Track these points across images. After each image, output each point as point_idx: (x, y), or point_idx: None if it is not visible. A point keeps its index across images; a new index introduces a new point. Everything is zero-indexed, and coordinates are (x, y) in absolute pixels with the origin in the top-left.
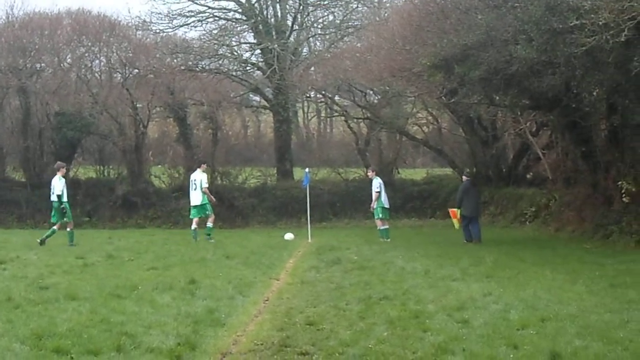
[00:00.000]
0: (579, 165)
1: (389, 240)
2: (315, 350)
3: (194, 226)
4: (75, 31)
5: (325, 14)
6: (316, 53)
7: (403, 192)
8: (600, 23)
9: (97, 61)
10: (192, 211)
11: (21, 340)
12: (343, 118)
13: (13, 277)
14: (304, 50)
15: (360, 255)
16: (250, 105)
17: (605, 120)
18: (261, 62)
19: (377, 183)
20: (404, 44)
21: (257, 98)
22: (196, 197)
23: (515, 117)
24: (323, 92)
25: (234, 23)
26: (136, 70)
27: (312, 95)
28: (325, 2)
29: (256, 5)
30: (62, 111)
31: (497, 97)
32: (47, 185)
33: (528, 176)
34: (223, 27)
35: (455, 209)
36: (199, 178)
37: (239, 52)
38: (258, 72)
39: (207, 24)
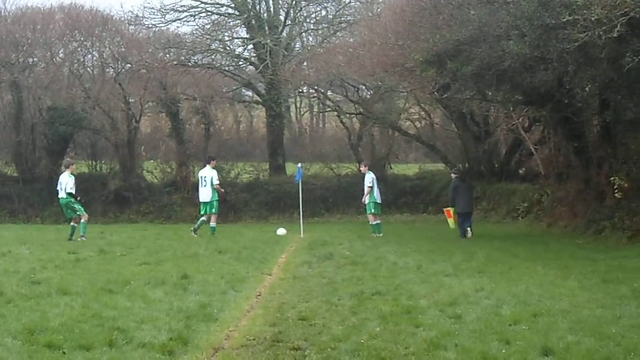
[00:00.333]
0: (571, 160)
1: (381, 235)
2: (307, 345)
3: (203, 219)
4: (68, 26)
5: (318, 9)
6: (309, 48)
7: (395, 188)
8: (593, 19)
9: (89, 56)
10: (202, 208)
11: (13, 335)
12: (335, 113)
13: (5, 272)
14: (297, 45)
15: (352, 250)
16: (242, 100)
17: (598, 115)
18: (254, 57)
19: (369, 178)
20: (397, 39)
21: (250, 93)
22: (206, 194)
23: (507, 112)
24: (315, 87)
25: (226, 18)
26: (128, 65)
27: (304, 91)
28: None
29: (249, 0)
30: (54, 106)
31: (490, 93)
32: (39, 180)
33: (520, 172)
34: (216, 22)
35: (449, 208)
36: (209, 175)
37: (231, 47)
38: (250, 67)
39: (199, 18)
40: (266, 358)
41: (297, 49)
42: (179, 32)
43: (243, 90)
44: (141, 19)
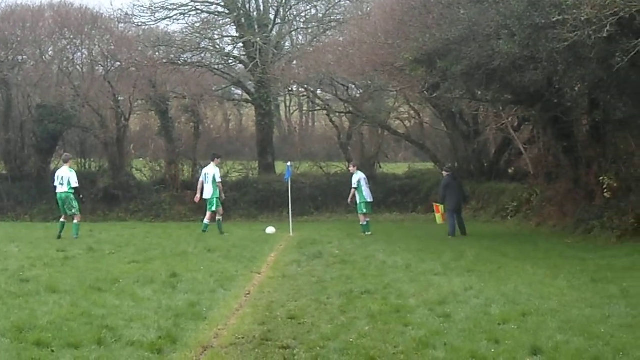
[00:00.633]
0: (560, 160)
1: (370, 233)
2: (296, 344)
3: (217, 217)
4: (57, 24)
5: (308, 7)
6: (298, 47)
7: (385, 187)
8: (583, 18)
9: (79, 54)
10: (207, 205)
11: (1, 333)
12: (325, 112)
13: None
14: (287, 44)
15: (341, 249)
16: (232, 99)
17: (587, 115)
18: (243, 55)
19: (356, 178)
20: (387, 39)
21: (239, 91)
22: (207, 191)
23: (497, 112)
24: (305, 86)
25: (216, 16)
26: (118, 63)
27: (294, 89)
28: None
29: None
30: (43, 104)
31: (479, 92)
32: (28, 178)
33: (510, 171)
34: (205, 20)
35: (438, 204)
36: (212, 172)
37: (221, 45)
38: (240, 65)
39: (189, 17)
40: (255, 357)
41: (286, 47)
42: (169, 30)
43: (232, 89)
44: (131, 17)
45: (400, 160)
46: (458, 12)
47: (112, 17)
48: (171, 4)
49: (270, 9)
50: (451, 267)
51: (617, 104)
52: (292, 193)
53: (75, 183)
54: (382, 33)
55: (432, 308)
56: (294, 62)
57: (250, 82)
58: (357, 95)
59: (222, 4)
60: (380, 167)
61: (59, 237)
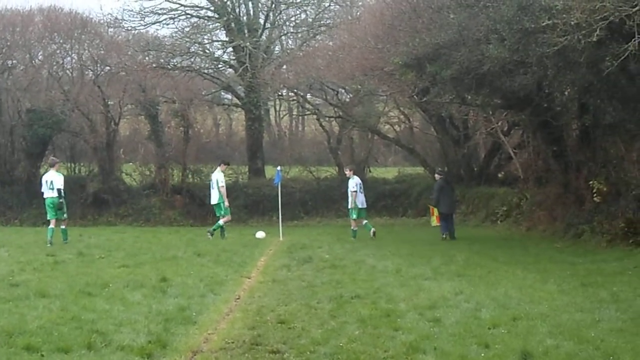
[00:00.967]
0: (550, 164)
1: (354, 239)
2: (286, 348)
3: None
4: (47, 28)
5: (298, 12)
6: (288, 51)
7: (375, 191)
8: (572, 23)
9: (68, 58)
10: (215, 210)
11: None
12: (315, 116)
13: None
14: (276, 49)
15: (331, 253)
16: (222, 103)
17: (577, 119)
18: (233, 60)
19: (353, 183)
20: (376, 43)
21: (229, 96)
22: (213, 196)
23: (486, 116)
24: (295, 90)
25: (206, 21)
26: (108, 68)
27: (284, 94)
28: (298, 1)
29: (228, 3)
30: (33, 108)
31: (469, 97)
32: (17, 183)
33: (499, 175)
34: (195, 24)
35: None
36: (215, 177)
37: (210, 49)
38: (230, 70)
39: (179, 21)
40: None
41: (276, 52)
42: (159, 35)
43: (222, 93)
44: (120, 21)
45: (390, 165)
46: (448, 16)
47: (102, 21)
48: (161, 9)
49: (260, 14)
50: (441, 272)
51: (607, 109)
52: (282, 197)
53: (59, 185)
54: (372, 37)
55: (422, 312)
56: (284, 66)
57: (240, 87)
58: (347, 100)
59: (212, 8)
60: (370, 171)
61: (51, 243)
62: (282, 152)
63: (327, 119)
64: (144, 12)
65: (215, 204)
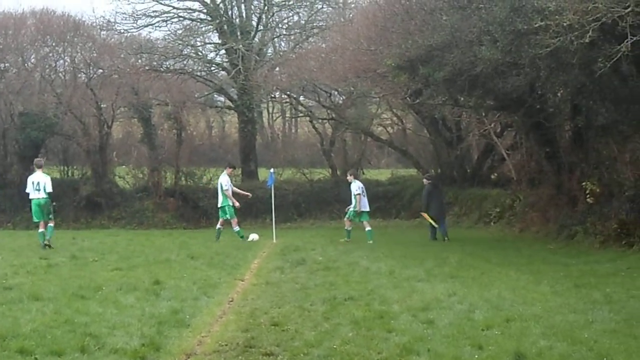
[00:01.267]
0: (543, 166)
1: (349, 240)
2: (280, 351)
3: (218, 226)
4: (40, 31)
5: (290, 14)
6: (281, 53)
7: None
8: (565, 24)
9: (61, 61)
10: (220, 213)
11: None
12: (308, 118)
13: None
14: (269, 51)
15: (325, 255)
16: (214, 106)
17: (570, 121)
18: (226, 62)
19: (356, 186)
20: (369, 45)
21: (222, 98)
22: (219, 199)
23: (479, 118)
24: (288, 92)
25: (198, 23)
26: (100, 71)
27: (276, 96)
28: (290, 3)
29: (221, 5)
30: (26, 111)
31: (462, 98)
32: (10, 186)
33: (492, 177)
34: (188, 27)
35: (425, 213)
36: (220, 181)
37: (203, 52)
38: (223, 72)
39: (171, 24)
40: None
41: (269, 54)
42: (151, 38)
43: (215, 96)
44: (113, 24)
45: (383, 167)
46: (440, 18)
47: (95, 24)
48: (153, 11)
49: (253, 16)
50: (434, 273)
51: (600, 110)
52: (275, 200)
53: (50, 188)
54: (365, 39)
55: (415, 314)
56: (277, 68)
57: (232, 89)
58: (340, 102)
59: (205, 11)
60: (363, 173)
61: (44, 246)
62: (275, 154)
63: (320, 121)
64: (137, 15)
65: (220, 207)
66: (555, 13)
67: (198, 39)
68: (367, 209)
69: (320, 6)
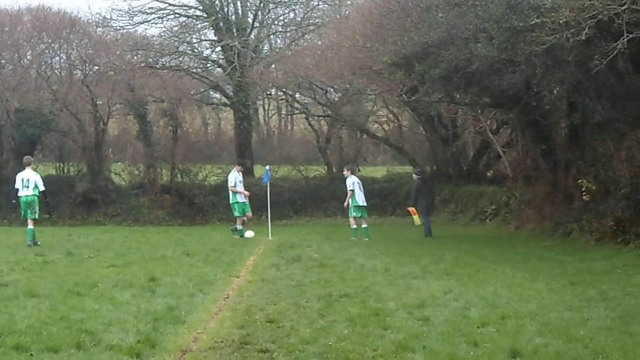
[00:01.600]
0: (539, 163)
1: (355, 239)
2: (275, 347)
3: (238, 226)
4: (36, 28)
5: (286, 11)
6: (277, 50)
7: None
8: (561, 21)
9: (57, 58)
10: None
11: None
12: (304, 116)
13: None
14: (265, 48)
15: (320, 252)
16: (210, 103)
17: (566, 118)
18: (222, 59)
19: (350, 181)
20: (365, 42)
21: (218, 95)
22: (230, 196)
23: (475, 115)
24: (284, 89)
25: (194, 20)
26: (96, 67)
27: (272, 93)
28: (286, 0)
29: (217, 2)
30: (21, 108)
31: (458, 95)
32: (6, 182)
33: (488, 174)
34: (184, 24)
35: (412, 208)
36: (227, 177)
37: (199, 49)
38: (218, 69)
39: (167, 20)
40: None
41: (265, 51)
42: (147, 34)
43: (211, 93)
44: (109, 21)
45: (378, 164)
46: (436, 15)
47: (90, 21)
48: (149, 8)
49: (249, 13)
50: (430, 271)
51: (596, 107)
52: (270, 197)
53: (42, 186)
54: (361, 36)
55: (411, 311)
56: (273, 65)
57: (228, 86)
58: (336, 99)
59: (201, 7)
60: (359, 170)
61: (36, 243)
62: (270, 151)
63: (316, 118)
64: (133, 12)
65: (230, 204)
66: (551, 10)
67: (194, 36)
68: (364, 204)
69: (316, 3)
